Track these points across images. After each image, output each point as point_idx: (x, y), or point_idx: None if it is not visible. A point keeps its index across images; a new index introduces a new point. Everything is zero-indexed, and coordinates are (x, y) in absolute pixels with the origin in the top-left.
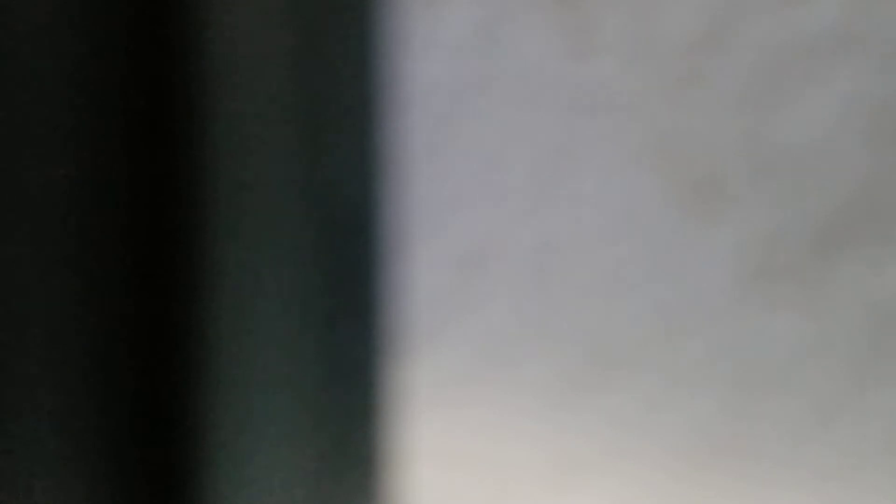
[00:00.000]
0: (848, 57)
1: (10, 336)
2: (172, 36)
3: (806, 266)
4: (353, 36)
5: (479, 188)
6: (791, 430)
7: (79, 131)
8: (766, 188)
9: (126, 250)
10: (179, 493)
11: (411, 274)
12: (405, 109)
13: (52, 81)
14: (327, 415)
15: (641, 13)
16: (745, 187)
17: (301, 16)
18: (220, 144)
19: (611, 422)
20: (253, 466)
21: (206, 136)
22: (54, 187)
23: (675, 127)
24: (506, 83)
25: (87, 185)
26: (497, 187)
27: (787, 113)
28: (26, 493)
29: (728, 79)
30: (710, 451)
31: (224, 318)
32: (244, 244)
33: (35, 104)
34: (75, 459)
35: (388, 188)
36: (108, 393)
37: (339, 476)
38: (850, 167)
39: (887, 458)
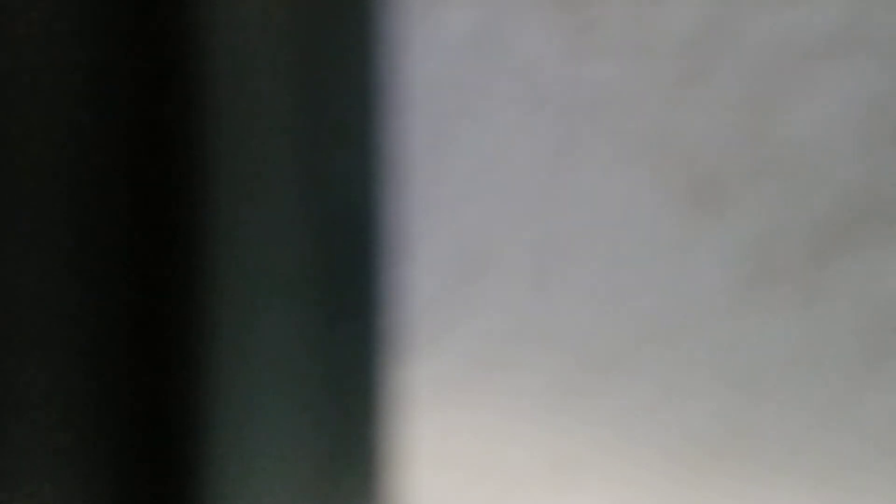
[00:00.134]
0: (848, 57)
1: (9, 336)
2: (173, 36)
3: (804, 268)
4: (354, 36)
5: (480, 188)
6: (789, 432)
7: (79, 132)
8: (766, 189)
9: (126, 251)
10: (179, 492)
11: (411, 274)
12: (405, 110)
13: (53, 83)
14: (327, 415)
15: (641, 13)
16: (745, 188)
17: (302, 16)
18: (221, 145)
19: (609, 423)
20: (253, 467)
21: (207, 136)
22: (54, 187)
23: (674, 127)
24: (506, 83)
25: (87, 186)
26: (497, 187)
27: (787, 113)
28: (26, 492)
29: (728, 78)
30: (707, 453)
31: (224, 318)
32: (244, 244)
33: (36, 104)
34: (75, 459)
35: (388, 188)
36: (107, 393)
37: (339, 476)
38: (849, 168)
39: (885, 461)
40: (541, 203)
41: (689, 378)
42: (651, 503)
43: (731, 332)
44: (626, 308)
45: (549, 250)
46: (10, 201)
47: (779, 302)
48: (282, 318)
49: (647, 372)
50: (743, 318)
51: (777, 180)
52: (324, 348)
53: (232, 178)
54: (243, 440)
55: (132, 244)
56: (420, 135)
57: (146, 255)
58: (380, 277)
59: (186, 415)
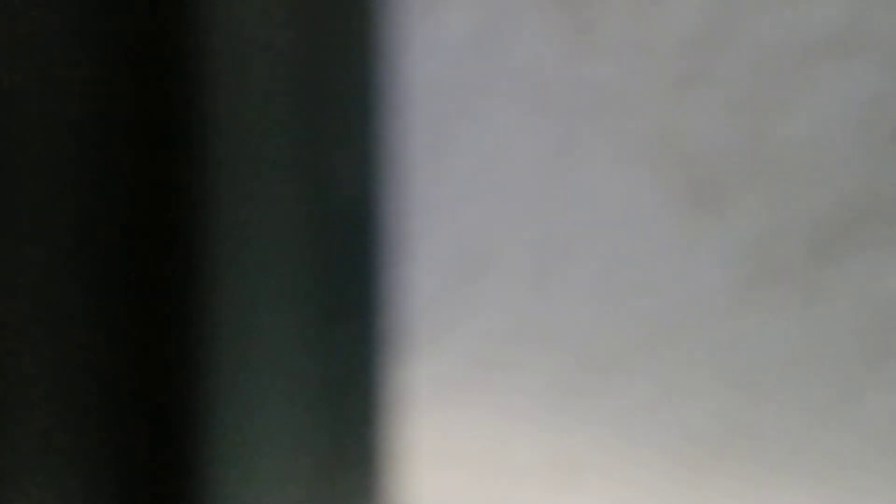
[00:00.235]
0: (848, 57)
1: (9, 336)
2: (172, 36)
3: (804, 268)
4: (354, 36)
5: (480, 188)
6: (788, 432)
7: (78, 131)
8: (766, 189)
9: (125, 250)
10: (179, 492)
11: (411, 274)
12: (405, 110)
13: (52, 82)
14: (327, 415)
15: (641, 13)
16: (745, 188)
17: (301, 16)
18: (220, 145)
19: (609, 423)
20: (253, 467)
21: (206, 136)
22: (53, 187)
23: (674, 127)
24: (506, 83)
25: (86, 185)
26: (497, 187)
27: (787, 113)
28: (25, 493)
29: (728, 79)
30: (707, 452)
31: (223, 318)
32: (244, 244)
33: (35, 103)
34: (75, 459)
35: (389, 188)
36: (106, 393)
37: (339, 476)
38: (849, 168)
39: (885, 461)
40: (541, 203)
41: (689, 378)
42: (651, 503)
43: (730, 331)
44: (626, 308)
45: (549, 250)
46: (9, 201)
47: (779, 302)
48: (281, 318)
49: (646, 372)
50: (743, 318)
51: (777, 180)
52: (324, 348)
53: (231, 177)
54: (243, 440)
55: (131, 243)
56: (420, 135)
57: (145, 255)
58: (380, 277)
59: (186, 414)
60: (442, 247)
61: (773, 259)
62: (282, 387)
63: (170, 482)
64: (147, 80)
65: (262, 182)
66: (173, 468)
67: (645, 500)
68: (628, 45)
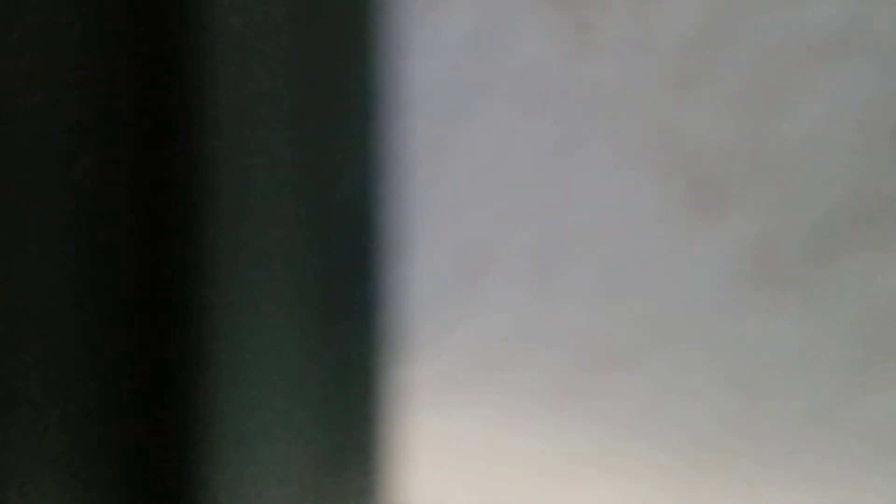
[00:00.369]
0: (848, 57)
1: (9, 335)
2: (172, 36)
3: (804, 268)
4: (354, 37)
5: (480, 188)
6: (788, 432)
7: (77, 131)
8: (766, 189)
9: (125, 250)
10: (178, 492)
11: (411, 274)
12: (405, 110)
13: (52, 82)
14: (327, 415)
15: (641, 13)
16: (745, 188)
17: (301, 17)
18: (220, 145)
19: (609, 423)
20: (252, 466)
21: (206, 136)
22: (52, 187)
23: (674, 127)
24: (506, 84)
25: (86, 185)
26: (497, 187)
27: (787, 114)
28: (23, 492)
29: (728, 79)
30: (707, 453)
31: (223, 318)
32: (243, 244)
33: (35, 103)
34: (74, 459)
35: (389, 188)
36: (106, 393)
37: (339, 476)
38: (849, 169)
39: (885, 460)
40: (541, 203)
41: (690, 377)
42: (653, 501)
43: (731, 331)
44: (626, 308)
45: (549, 250)
46: (7, 200)
47: (779, 301)
48: (281, 318)
49: (647, 371)
50: (743, 318)
51: (777, 180)
52: (324, 348)
53: (231, 178)
54: (243, 440)
55: (131, 243)
56: (420, 135)
57: (145, 255)
58: (380, 277)
59: (185, 414)
60: (442, 247)
61: (773, 259)
62: (281, 387)
63: (169, 481)
64: (147, 81)
65: (263, 182)
66: (173, 467)
67: (645, 500)
68: (628, 45)
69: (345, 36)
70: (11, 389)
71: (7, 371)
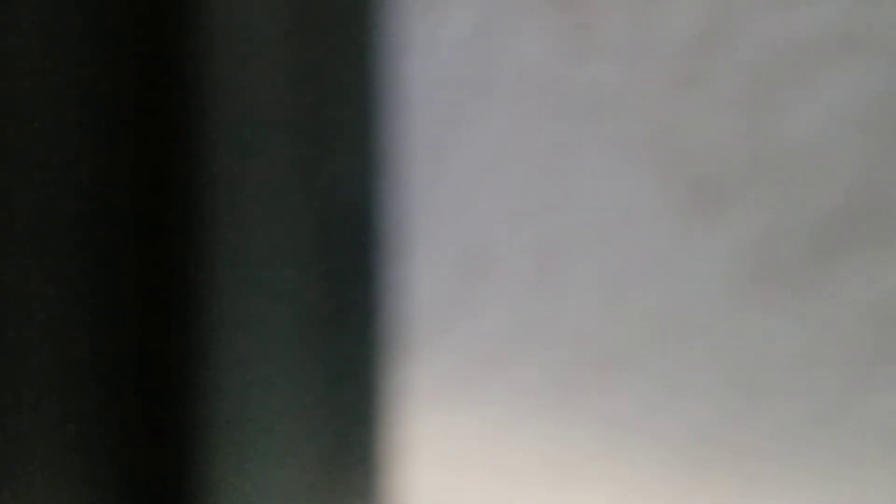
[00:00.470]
0: (848, 57)
1: (10, 335)
2: (173, 37)
3: (804, 268)
4: (355, 37)
5: (479, 188)
6: (789, 431)
7: (80, 134)
8: (766, 189)
9: (126, 250)
10: (180, 492)
11: (411, 274)
12: (406, 110)
13: (54, 83)
14: (327, 415)
15: (641, 13)
16: (745, 188)
17: (303, 18)
18: (222, 146)
19: (609, 423)
20: (253, 466)
21: (207, 136)
22: (54, 187)
23: (674, 127)
24: (506, 84)
25: (88, 186)
26: (497, 187)
27: (787, 114)
28: (29, 486)
29: (728, 79)
30: (707, 453)
31: (224, 318)
32: (245, 245)
33: (37, 103)
34: (75, 459)
35: (389, 188)
36: (108, 393)
37: (340, 475)
38: (848, 169)
39: (885, 460)
40: (541, 203)
41: (690, 376)
42: (653, 501)
43: (731, 330)
44: (627, 307)
45: (549, 250)
46: (10, 200)
47: (779, 301)
48: (281, 318)
49: (647, 371)
50: (743, 317)
51: (777, 180)
52: (324, 348)
53: (232, 178)
54: (244, 439)
55: (133, 244)
56: (420, 135)
57: (146, 255)
58: (380, 277)
59: (187, 414)
60: (442, 247)
61: (773, 258)
62: (281, 386)
63: (169, 481)
64: (147, 81)
65: (263, 182)
66: (174, 467)
67: (646, 499)
68: (628, 45)
69: (345, 36)
70: (11, 389)
71: (7, 371)
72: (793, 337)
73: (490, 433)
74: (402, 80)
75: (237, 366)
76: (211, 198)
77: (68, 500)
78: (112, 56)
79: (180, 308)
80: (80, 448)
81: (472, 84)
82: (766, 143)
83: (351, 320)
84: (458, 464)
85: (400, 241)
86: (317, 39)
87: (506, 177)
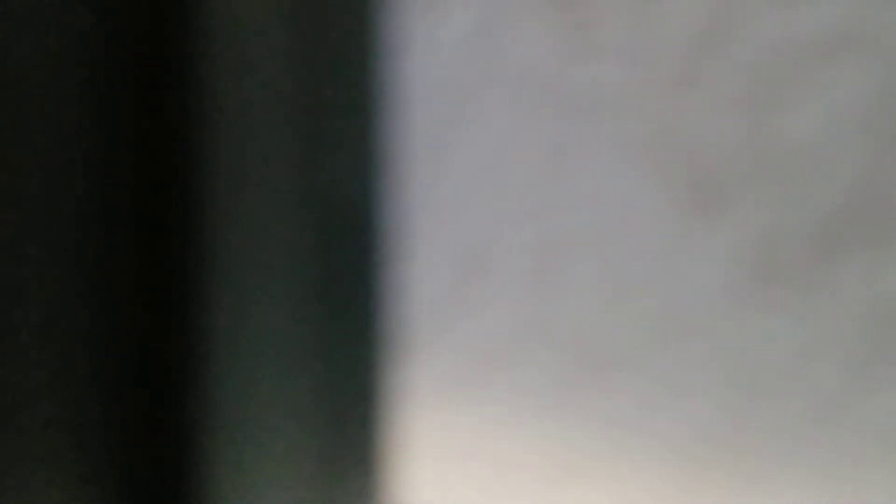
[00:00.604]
0: (848, 57)
1: (10, 335)
2: (174, 37)
3: (803, 268)
4: (354, 37)
5: (479, 188)
6: (789, 430)
7: (80, 134)
8: (766, 189)
9: (126, 250)
10: (179, 492)
11: (411, 274)
12: (406, 110)
13: (55, 83)
14: (327, 415)
15: (641, 13)
16: (745, 188)
17: (302, 18)
18: (222, 145)
19: (608, 423)
20: (254, 465)
21: (208, 136)
22: (55, 185)
23: (674, 127)
24: (506, 84)
25: (89, 184)
26: (497, 187)
27: (787, 114)
28: (26, 492)
29: (728, 79)
30: (707, 452)
31: (224, 318)
32: (244, 245)
33: (38, 105)
34: (75, 459)
35: (389, 188)
36: (108, 393)
37: (340, 475)
38: (848, 169)
39: (885, 459)
40: (541, 203)
41: (690, 376)
42: (653, 500)
43: (731, 330)
44: (627, 307)
45: (550, 250)
46: (10, 200)
47: (779, 301)
48: (281, 318)
49: (647, 370)
50: (743, 317)
51: (777, 180)
52: (324, 348)
53: (233, 178)
54: (244, 439)
55: (133, 244)
56: (420, 135)
57: (146, 256)
58: (380, 277)
59: (187, 414)
60: (442, 247)
61: (773, 258)
62: (281, 387)
63: (171, 481)
64: (147, 81)
65: (263, 182)
66: (174, 467)
67: (646, 498)
68: (628, 45)
69: (345, 36)
70: (11, 389)
71: (7, 371)
72: (793, 337)
73: (490, 433)
74: (402, 80)
75: (237, 366)
76: (211, 198)
77: (68, 501)
78: (112, 56)
79: (180, 308)
80: (80, 448)
81: (472, 84)
82: (766, 143)
83: (351, 320)
84: (458, 463)
85: (400, 241)
86: (317, 39)
87: (506, 177)
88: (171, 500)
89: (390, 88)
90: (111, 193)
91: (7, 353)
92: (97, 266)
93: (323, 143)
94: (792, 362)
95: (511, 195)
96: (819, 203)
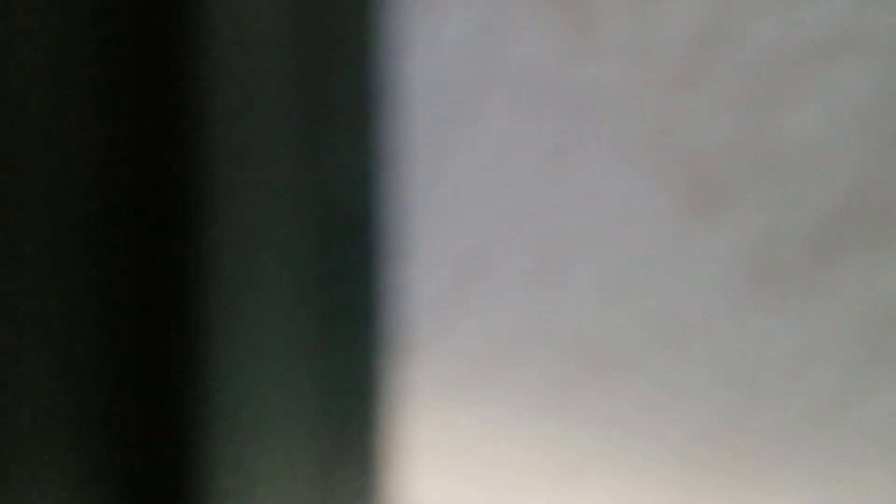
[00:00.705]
0: (848, 57)
1: (11, 335)
2: (174, 37)
3: (803, 268)
4: (354, 37)
5: (479, 188)
6: (789, 430)
7: (81, 134)
8: (766, 189)
9: (126, 250)
10: (179, 492)
11: (411, 274)
12: (405, 110)
13: (56, 83)
14: (327, 415)
15: (641, 13)
16: (745, 188)
17: (302, 17)
18: (221, 145)
19: (608, 423)
20: (253, 466)
21: (208, 136)
22: (54, 186)
23: (674, 127)
24: (505, 84)
25: (88, 185)
26: (497, 187)
27: (787, 114)
28: (27, 492)
29: (728, 79)
30: (707, 452)
31: (224, 318)
32: (244, 245)
33: (35, 103)
34: (76, 459)
35: (388, 188)
36: (108, 393)
37: (339, 476)
38: (848, 169)
39: (885, 460)
40: (541, 203)
41: (690, 376)
42: (653, 499)
43: (732, 330)
44: (627, 307)
45: (550, 250)
46: (10, 200)
47: (779, 301)
48: (281, 319)
49: (647, 370)
50: (744, 317)
51: (777, 180)
52: (325, 348)
53: (232, 178)
54: (244, 440)
55: (132, 244)
56: (420, 135)
57: (146, 256)
58: (380, 277)
59: (187, 414)
60: (442, 247)
61: (773, 258)
62: (282, 387)
63: (170, 481)
64: (147, 81)
65: (263, 182)
66: (174, 467)
67: (646, 498)
68: (628, 45)
69: (345, 36)
70: (11, 390)
71: (7, 371)
72: (793, 337)
73: (490, 433)
74: (402, 80)
75: (237, 366)
76: (211, 198)
77: (68, 501)
78: (112, 56)
79: (180, 308)
80: (80, 448)
81: (472, 84)
82: (766, 143)
83: (351, 320)
84: (458, 463)
85: (400, 241)
86: (317, 39)
87: (506, 177)
88: (171, 500)
89: (390, 88)
90: (111, 193)
91: (7, 353)
92: (97, 266)
93: (323, 143)
94: (792, 362)
95: (511, 195)
96: (819, 203)
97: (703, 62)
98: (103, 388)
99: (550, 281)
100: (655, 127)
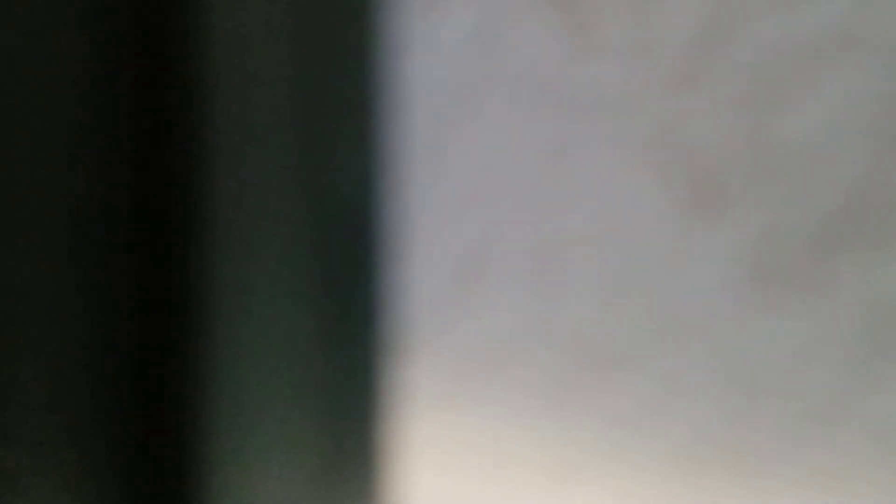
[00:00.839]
0: (848, 57)
1: (11, 336)
2: (174, 37)
3: (804, 267)
4: (354, 37)
5: (479, 188)
6: (789, 430)
7: (81, 135)
8: (765, 189)
9: (126, 250)
10: (179, 492)
11: (411, 274)
12: (405, 110)
13: (52, 81)
14: (327, 415)
15: (641, 13)
16: (745, 188)
17: (303, 18)
18: (221, 145)
19: (609, 423)
20: (254, 466)
21: (208, 137)
22: (54, 186)
23: (674, 127)
24: (505, 84)
25: (88, 186)
26: (497, 187)
27: (787, 114)
28: (27, 493)
29: (728, 79)
30: (707, 452)
31: (224, 318)
32: (244, 245)
33: (35, 103)
34: (76, 460)
35: (388, 188)
36: (108, 394)
37: (340, 476)
38: (849, 169)
39: (885, 460)
40: (541, 203)
41: (691, 376)
42: (653, 499)
43: (731, 330)
44: (627, 307)
45: (550, 250)
46: (10, 200)
47: (779, 301)
48: (282, 319)
49: (647, 371)
50: (743, 317)
51: (777, 180)
52: (324, 348)
53: (232, 178)
54: (244, 440)
55: (132, 244)
56: (420, 135)
57: (146, 256)
58: (380, 277)
59: (187, 414)
60: (442, 247)
61: (773, 258)
62: (282, 387)
63: (170, 482)
64: (147, 81)
65: (263, 182)
66: (175, 467)
67: (646, 498)
68: (629, 45)
69: (345, 36)
70: (11, 390)
71: (6, 371)
72: (793, 336)
73: (490, 433)
74: (402, 80)
75: (237, 366)
76: (211, 198)
77: (68, 501)
78: (112, 56)
79: (180, 308)
80: (81, 448)
81: (472, 84)
82: (766, 143)
83: (351, 320)
84: (458, 463)
85: (400, 241)
86: (317, 39)
87: (506, 177)
88: (171, 500)
89: (390, 88)
90: (111, 193)
91: (6, 353)
92: (97, 266)
93: (323, 143)
94: (792, 362)
95: (511, 195)
96: (819, 203)
97: (703, 62)
98: (103, 388)
99: (550, 281)
100: (655, 127)
